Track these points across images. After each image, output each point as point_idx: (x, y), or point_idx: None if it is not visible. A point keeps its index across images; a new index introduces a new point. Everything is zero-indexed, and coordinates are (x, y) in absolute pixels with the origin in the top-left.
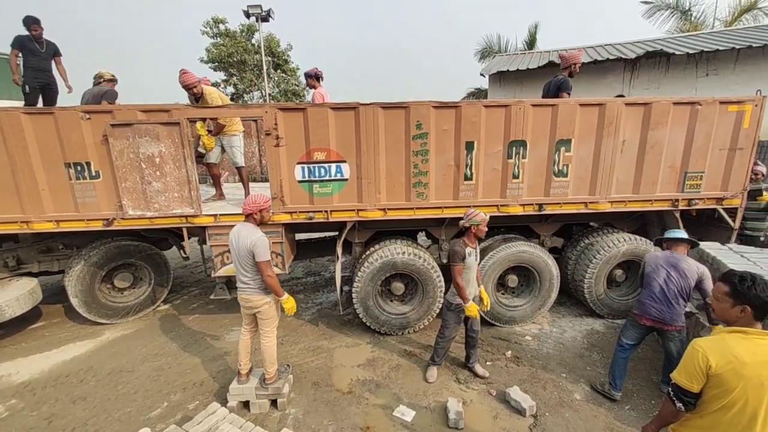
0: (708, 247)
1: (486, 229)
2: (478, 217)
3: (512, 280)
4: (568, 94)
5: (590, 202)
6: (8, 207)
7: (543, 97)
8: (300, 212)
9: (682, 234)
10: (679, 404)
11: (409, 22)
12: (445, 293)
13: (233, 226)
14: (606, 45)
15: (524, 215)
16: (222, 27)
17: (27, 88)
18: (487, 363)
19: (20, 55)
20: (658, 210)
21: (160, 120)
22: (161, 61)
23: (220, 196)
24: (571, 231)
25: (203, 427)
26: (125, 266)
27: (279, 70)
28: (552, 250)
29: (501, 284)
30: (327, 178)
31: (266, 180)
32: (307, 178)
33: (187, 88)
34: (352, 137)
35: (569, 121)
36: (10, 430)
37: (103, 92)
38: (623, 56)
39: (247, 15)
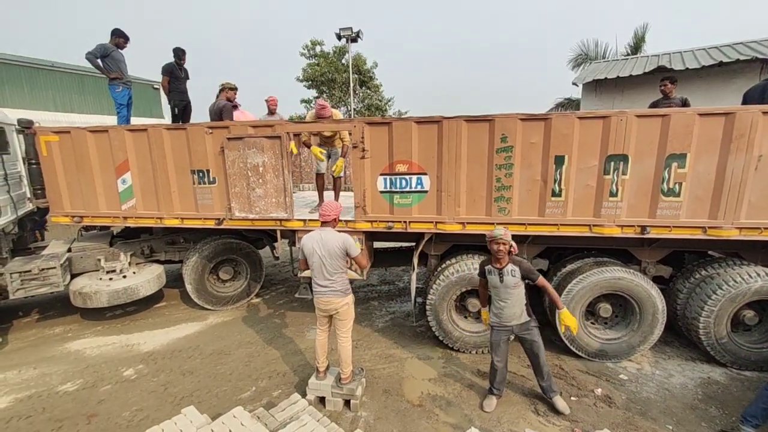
0: None
1: (498, 248)
2: (488, 234)
3: (605, 309)
4: None
5: (710, 227)
6: (149, 204)
7: (750, 103)
8: (380, 221)
9: None
10: None
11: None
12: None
13: None
14: (735, 44)
15: (621, 238)
16: (318, 49)
17: (176, 110)
18: (572, 398)
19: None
20: None
21: (265, 134)
22: (258, 76)
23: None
24: (682, 259)
25: (286, 414)
26: (228, 261)
27: (364, 87)
28: (657, 280)
29: (591, 312)
30: (407, 189)
31: (350, 189)
32: (388, 189)
33: (324, 119)
34: (434, 150)
35: (684, 134)
36: (137, 391)
37: (220, 108)
38: (759, 56)
39: (339, 37)
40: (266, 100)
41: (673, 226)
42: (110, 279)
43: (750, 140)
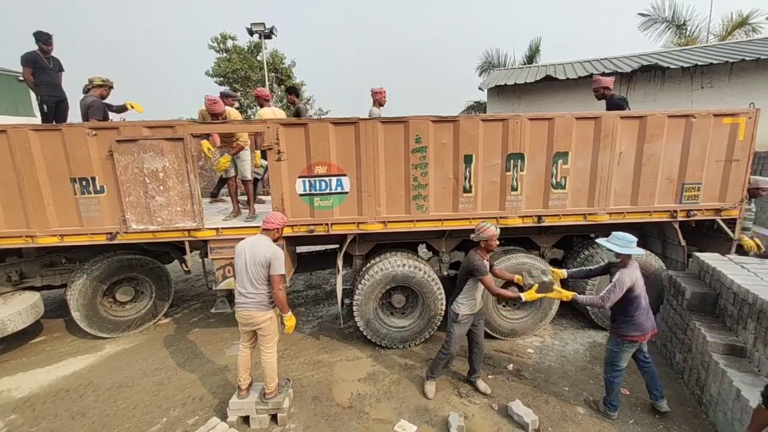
0: (708, 258)
1: (497, 243)
2: (488, 232)
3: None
4: None
5: (589, 214)
6: (14, 221)
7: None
8: (301, 225)
9: (623, 249)
10: None
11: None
12: (449, 304)
13: (234, 239)
14: (602, 59)
15: (523, 227)
16: (230, 43)
17: (45, 107)
18: (489, 376)
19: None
20: (657, 221)
21: (164, 136)
22: (161, 71)
23: (238, 212)
24: (571, 242)
25: None
26: (127, 280)
27: (282, 86)
28: (552, 262)
29: None
30: (327, 191)
31: (268, 194)
32: (308, 192)
33: (215, 115)
34: (352, 151)
35: (566, 134)
36: None
37: (87, 105)
38: (618, 70)
39: (251, 32)
40: (373, 91)
41: (562, 215)
42: None
43: (613, 140)
